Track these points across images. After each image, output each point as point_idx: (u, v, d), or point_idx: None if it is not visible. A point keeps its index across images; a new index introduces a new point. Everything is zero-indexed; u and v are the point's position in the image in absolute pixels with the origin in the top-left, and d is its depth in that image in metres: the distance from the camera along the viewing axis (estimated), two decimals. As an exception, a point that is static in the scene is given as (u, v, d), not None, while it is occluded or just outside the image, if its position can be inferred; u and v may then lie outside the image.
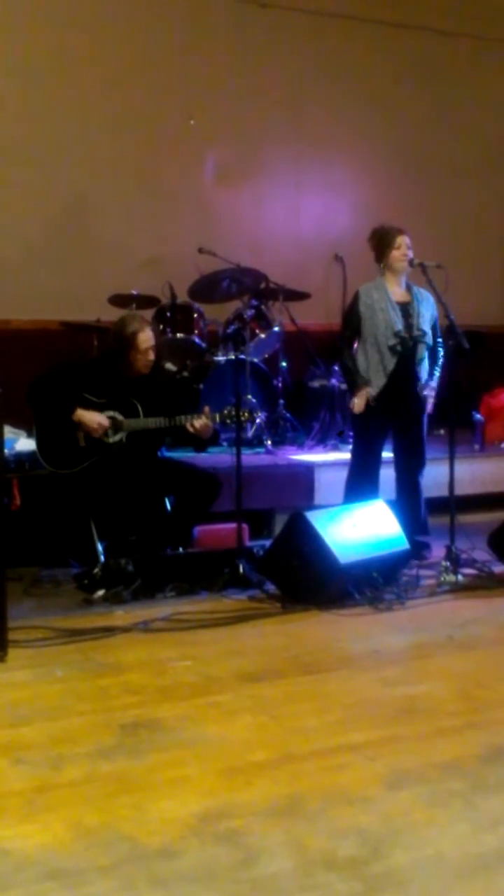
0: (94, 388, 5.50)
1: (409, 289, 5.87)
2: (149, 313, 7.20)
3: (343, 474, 6.05)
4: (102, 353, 6.43)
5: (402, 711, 3.61)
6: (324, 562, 4.93)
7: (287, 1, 8.68)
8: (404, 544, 5.33)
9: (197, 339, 7.40)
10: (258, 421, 7.10)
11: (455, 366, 5.67)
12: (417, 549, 5.61)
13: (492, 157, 9.67)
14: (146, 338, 5.51)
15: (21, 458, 5.80)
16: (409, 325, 5.75)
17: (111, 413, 5.50)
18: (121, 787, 2.98)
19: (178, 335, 7.33)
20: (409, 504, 5.85)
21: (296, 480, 6.59)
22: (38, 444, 5.50)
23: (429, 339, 5.79)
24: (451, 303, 5.58)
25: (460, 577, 5.31)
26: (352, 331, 5.84)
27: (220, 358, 7.26)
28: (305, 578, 4.98)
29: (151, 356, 5.56)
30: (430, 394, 5.82)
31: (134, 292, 7.33)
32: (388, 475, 5.97)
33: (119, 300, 7.31)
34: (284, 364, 7.60)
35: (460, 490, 5.67)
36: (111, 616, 4.79)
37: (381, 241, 5.84)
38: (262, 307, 7.50)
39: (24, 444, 5.88)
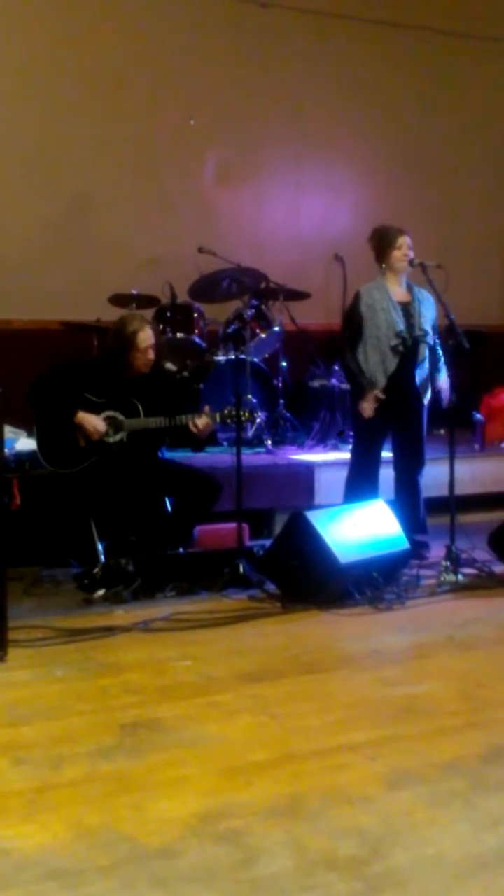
0: (95, 388, 5.50)
1: (409, 289, 5.87)
2: (149, 313, 7.20)
3: (343, 474, 6.05)
4: (103, 352, 6.43)
5: (403, 711, 3.61)
6: (324, 561, 4.93)
7: (287, 1, 8.68)
8: (404, 544, 5.33)
9: (197, 339, 7.40)
10: (258, 421, 7.09)
11: (455, 366, 5.67)
12: (416, 549, 5.60)
13: (492, 156, 9.67)
14: (146, 337, 5.51)
15: (21, 457, 5.80)
16: (410, 326, 5.75)
17: (111, 413, 5.49)
18: (121, 787, 2.97)
19: (179, 335, 7.33)
20: (409, 504, 5.84)
21: (296, 480, 6.59)
22: (39, 443, 5.50)
23: (430, 339, 5.79)
24: (451, 303, 5.58)
25: (460, 577, 5.31)
26: (353, 331, 5.84)
27: (221, 358, 7.26)
28: (306, 578, 4.98)
29: (151, 356, 5.56)
30: (444, 387, 5.80)
31: (134, 292, 7.33)
32: (387, 475, 5.97)
33: (119, 300, 7.31)
34: (284, 364, 7.60)
35: (460, 490, 5.67)
36: (111, 616, 4.79)
37: (381, 241, 5.83)
38: (263, 307, 7.50)
39: (25, 443, 5.87)
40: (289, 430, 7.50)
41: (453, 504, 5.44)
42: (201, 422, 5.46)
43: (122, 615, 4.79)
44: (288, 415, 7.53)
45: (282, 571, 5.11)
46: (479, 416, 7.62)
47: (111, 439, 5.48)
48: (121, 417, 5.50)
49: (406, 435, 5.89)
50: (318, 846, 2.63)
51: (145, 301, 7.38)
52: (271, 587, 5.15)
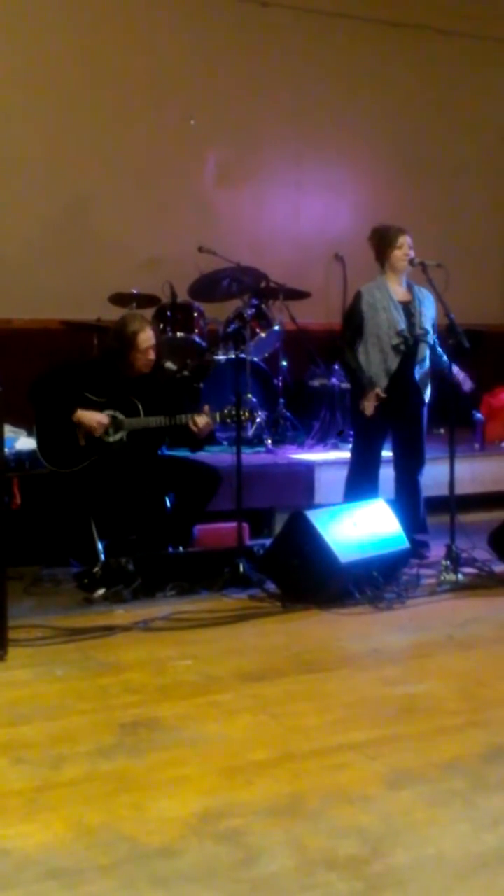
0: (95, 388, 5.50)
1: (410, 288, 5.87)
2: (149, 312, 7.20)
3: (343, 473, 6.05)
4: (103, 352, 6.43)
5: (403, 710, 3.61)
6: (324, 561, 4.93)
7: (288, 0, 8.68)
8: (404, 543, 5.33)
9: (197, 339, 7.40)
10: (258, 420, 7.09)
11: (455, 365, 5.67)
12: (416, 548, 5.60)
13: (492, 156, 9.67)
14: (147, 337, 5.51)
15: (21, 456, 5.80)
16: (411, 325, 5.75)
17: (112, 412, 5.49)
18: (121, 787, 2.97)
19: (179, 334, 7.33)
20: (409, 503, 5.84)
21: (296, 479, 6.59)
22: (39, 442, 5.50)
23: (430, 338, 5.79)
24: (451, 302, 5.58)
25: (460, 577, 5.31)
26: (353, 330, 5.83)
27: (221, 357, 7.26)
28: (306, 577, 4.98)
29: (152, 355, 5.56)
30: (460, 376, 5.76)
31: (134, 291, 7.33)
32: (387, 474, 5.97)
33: (119, 299, 7.31)
34: (285, 363, 7.60)
35: (460, 489, 5.67)
36: (111, 615, 4.79)
37: (382, 241, 5.83)
38: (263, 306, 7.51)
39: (25, 442, 5.88)
40: (289, 429, 7.50)
41: (453, 503, 5.44)
42: (201, 421, 5.47)
43: (122, 614, 4.79)
44: (288, 414, 7.52)
45: (282, 571, 5.11)
46: (479, 415, 7.63)
47: (111, 438, 5.48)
48: (121, 417, 5.50)
49: (406, 434, 5.89)
50: (318, 845, 2.63)
51: (145, 300, 7.38)
52: (271, 586, 5.15)
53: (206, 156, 8.61)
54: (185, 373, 7.13)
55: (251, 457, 6.61)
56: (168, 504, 5.55)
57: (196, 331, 7.42)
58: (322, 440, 7.37)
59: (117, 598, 5.00)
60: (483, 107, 9.62)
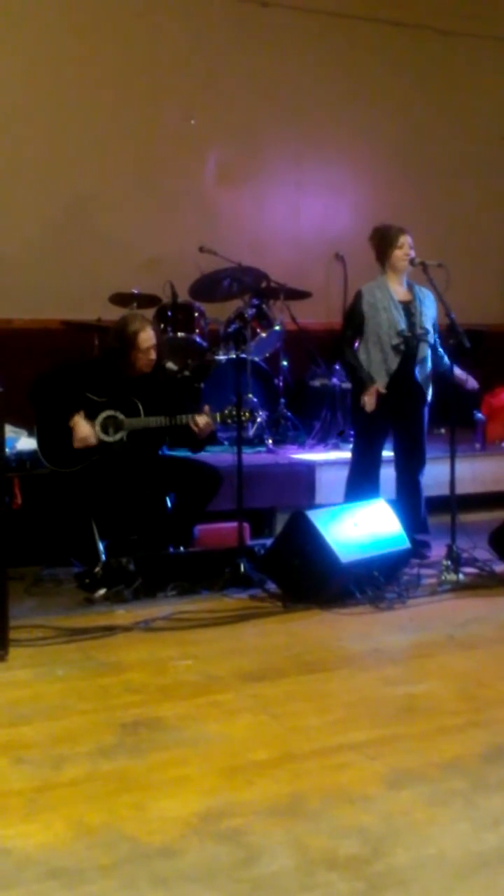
0: (96, 388, 5.51)
1: (410, 287, 5.87)
2: (150, 312, 7.20)
3: (344, 473, 6.05)
4: (104, 352, 6.43)
5: (403, 710, 3.61)
6: (325, 561, 4.93)
7: (288, 0, 8.68)
8: (405, 543, 5.33)
9: (198, 338, 7.40)
10: (259, 420, 7.09)
11: (456, 365, 5.67)
12: (417, 548, 5.60)
13: (492, 156, 9.66)
14: (147, 337, 5.51)
15: (22, 456, 5.80)
16: (412, 324, 5.75)
17: (112, 412, 5.50)
18: (122, 787, 2.98)
19: (179, 334, 7.33)
20: (410, 503, 5.85)
21: (297, 479, 6.59)
22: (40, 442, 5.50)
23: (431, 337, 5.79)
24: (452, 302, 5.58)
25: (461, 576, 5.31)
26: (354, 330, 5.84)
27: (221, 357, 7.26)
28: (306, 577, 4.98)
29: (153, 355, 5.56)
30: (462, 376, 5.76)
31: (135, 291, 7.33)
32: (388, 474, 5.97)
33: (120, 299, 7.31)
34: (285, 363, 7.60)
35: (461, 489, 5.66)
36: (112, 615, 4.79)
37: (382, 240, 5.83)
38: (263, 306, 7.50)
39: (25, 442, 5.88)
40: (290, 429, 7.50)
41: (454, 503, 5.44)
42: (202, 420, 5.47)
43: (122, 614, 4.79)
44: (289, 414, 7.52)
45: (283, 570, 5.11)
46: (479, 415, 7.63)
47: (112, 438, 5.49)
48: (121, 417, 5.50)
49: (407, 434, 5.89)
50: (318, 845, 2.63)
51: (146, 300, 7.37)
52: (272, 586, 5.15)
53: (206, 155, 8.61)
54: (186, 373, 7.13)
55: (252, 457, 6.61)
56: (168, 504, 5.55)
57: (197, 331, 7.42)
58: (323, 440, 7.37)
59: (118, 598, 5.00)
60: (483, 107, 9.61)
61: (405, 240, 5.78)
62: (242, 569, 5.23)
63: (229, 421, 5.51)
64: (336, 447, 7.21)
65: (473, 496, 6.77)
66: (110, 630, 4.52)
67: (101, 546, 5.28)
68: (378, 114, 9.11)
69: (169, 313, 7.34)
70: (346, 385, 6.91)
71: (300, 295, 7.79)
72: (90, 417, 5.47)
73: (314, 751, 3.24)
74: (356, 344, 5.84)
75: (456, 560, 5.34)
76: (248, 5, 8.61)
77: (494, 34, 9.52)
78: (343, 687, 3.90)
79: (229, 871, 2.51)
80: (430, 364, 5.83)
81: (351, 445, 6.25)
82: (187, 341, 7.33)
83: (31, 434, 5.76)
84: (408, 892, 2.43)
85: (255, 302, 7.46)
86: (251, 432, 7.03)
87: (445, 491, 5.53)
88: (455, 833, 2.70)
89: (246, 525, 5.65)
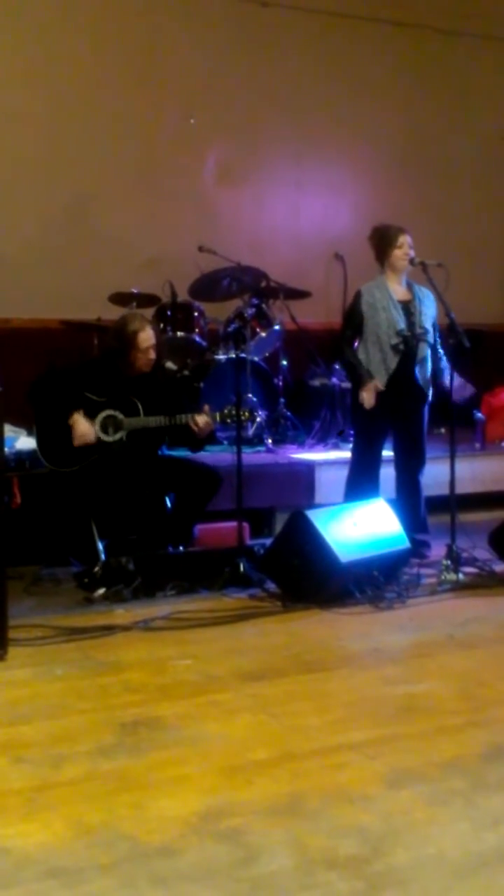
0: (95, 387, 5.50)
1: (409, 287, 5.86)
2: (149, 312, 7.20)
3: (343, 473, 6.05)
4: (103, 351, 6.43)
5: (403, 710, 3.61)
6: (324, 560, 4.92)
7: (288, 0, 8.67)
8: (405, 543, 5.33)
9: (197, 338, 7.40)
10: (259, 419, 7.09)
11: (456, 364, 5.67)
12: (417, 548, 5.60)
13: (492, 155, 9.67)
14: (147, 337, 5.51)
15: (21, 456, 5.80)
16: (411, 324, 5.75)
17: (111, 412, 5.49)
18: (121, 786, 2.97)
19: (179, 334, 7.33)
20: (410, 503, 5.84)
21: (296, 479, 6.58)
22: (39, 442, 5.50)
23: (430, 337, 5.79)
24: (452, 301, 5.58)
25: (461, 576, 5.31)
26: (353, 329, 5.84)
27: (221, 356, 7.26)
28: (306, 577, 4.98)
29: (152, 355, 5.56)
30: (458, 379, 5.74)
31: (134, 291, 7.33)
32: (388, 474, 5.97)
33: (119, 299, 7.31)
34: (285, 362, 7.60)
35: (461, 489, 5.66)
36: (111, 614, 4.79)
37: (382, 240, 5.83)
38: (263, 306, 7.50)
39: (25, 442, 5.88)
40: (289, 428, 7.50)
41: (454, 503, 5.44)
42: (201, 420, 5.47)
43: (122, 614, 4.79)
44: (288, 413, 7.52)
45: (282, 570, 5.11)
46: (479, 414, 7.63)
47: (111, 438, 5.48)
48: (121, 416, 5.49)
49: (407, 434, 5.89)
50: (318, 845, 2.62)
51: (146, 300, 7.37)
52: (272, 586, 5.15)
53: (206, 155, 8.61)
54: (186, 372, 7.13)
55: (251, 456, 6.61)
56: (168, 504, 5.55)
57: (196, 330, 7.42)
58: (322, 440, 7.37)
59: (117, 598, 4.99)
60: (483, 107, 9.61)
61: (405, 239, 5.78)
62: (242, 568, 5.23)
63: (229, 420, 5.50)
64: (336, 447, 7.21)
65: (473, 496, 6.77)
66: (109, 629, 4.52)
67: (100, 545, 5.28)
68: (378, 113, 9.12)
69: (168, 313, 7.34)
70: (346, 385, 6.91)
71: (300, 294, 7.79)
72: (90, 417, 5.47)
73: (314, 750, 3.24)
74: (356, 343, 5.84)
75: (456, 560, 5.34)
76: (249, 5, 8.61)
77: (494, 34, 9.53)
78: (343, 686, 3.89)
79: (228, 871, 2.50)
80: (430, 364, 5.83)
81: (350, 445, 6.24)
82: (187, 341, 7.33)
83: (30, 433, 5.76)
84: (407, 891, 2.43)
85: (255, 301, 7.46)
86: (251, 432, 7.02)
87: (445, 490, 5.52)
88: (454, 833, 2.70)
89: (245, 525, 5.64)
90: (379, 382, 5.72)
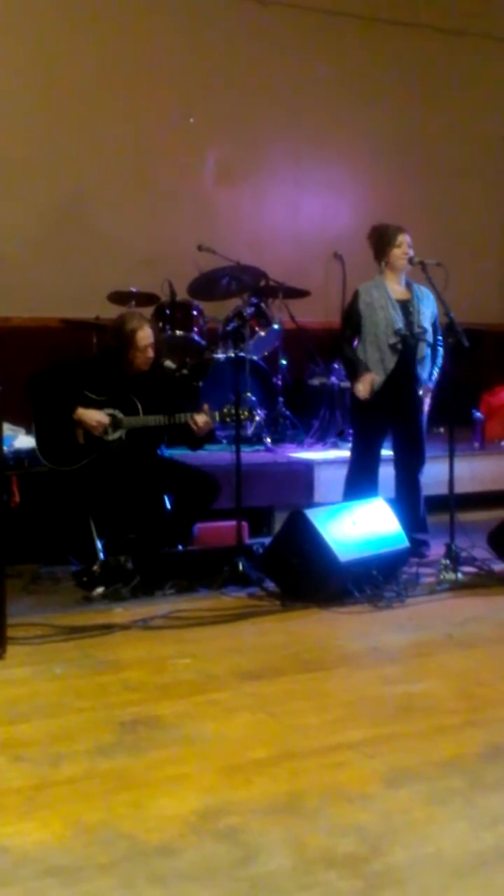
0: (94, 386, 5.50)
1: (408, 286, 5.86)
2: (148, 311, 7.20)
3: (343, 472, 6.05)
4: (102, 350, 6.42)
5: (402, 709, 3.61)
6: (323, 559, 4.92)
7: (287, -2, 8.70)
8: (404, 542, 5.33)
9: (196, 337, 7.40)
10: (258, 419, 7.09)
11: (455, 364, 5.67)
12: (416, 547, 5.60)
13: (491, 154, 9.67)
14: (145, 335, 5.51)
15: (20, 455, 5.79)
16: (409, 323, 5.75)
17: (111, 411, 5.49)
18: (120, 785, 2.97)
19: (178, 333, 7.33)
20: (409, 502, 5.84)
21: (295, 478, 6.58)
22: (38, 441, 5.50)
23: (429, 336, 5.79)
24: (451, 301, 5.58)
25: (460, 576, 5.31)
26: (352, 329, 5.84)
27: (220, 355, 7.26)
28: (305, 576, 4.98)
29: (151, 354, 5.56)
30: (426, 394, 5.81)
31: (133, 290, 7.33)
32: (387, 473, 5.97)
33: (118, 297, 7.31)
34: (284, 362, 7.60)
35: (460, 488, 5.66)
36: (110, 613, 4.79)
37: (381, 239, 5.83)
38: (262, 305, 7.50)
39: (24, 441, 5.87)
40: (288, 427, 7.50)
41: (453, 502, 5.44)
42: (200, 419, 5.46)
43: (121, 613, 4.79)
44: (287, 413, 7.52)
45: (281, 569, 5.11)
46: (478, 414, 7.63)
47: (110, 437, 5.48)
48: (120, 415, 5.49)
49: (406, 433, 5.89)
50: (317, 844, 2.62)
51: (144, 299, 7.37)
52: (271, 585, 5.15)
53: (205, 154, 8.62)
54: (185, 371, 7.12)
55: (250, 455, 6.61)
56: (167, 503, 5.55)
57: (195, 329, 7.42)
58: (321, 439, 7.37)
59: (116, 597, 4.99)
60: (482, 104, 9.61)
61: (404, 238, 5.78)
62: (241, 567, 5.23)
63: (228, 419, 5.50)
64: (335, 446, 7.21)
65: (472, 495, 6.78)
66: (108, 628, 4.52)
67: (99, 544, 5.28)
68: (377, 112, 9.12)
69: (167, 312, 7.34)
70: (345, 384, 6.91)
71: (299, 294, 7.79)
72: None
73: (312, 749, 3.24)
74: (355, 343, 5.84)
75: (455, 559, 5.33)
76: (248, 4, 8.62)
77: (495, 33, 9.53)
78: (341, 686, 3.89)
79: (227, 870, 2.50)
80: (429, 363, 5.83)
81: (350, 444, 6.24)
82: (186, 340, 7.33)
83: (29, 432, 5.76)
84: (406, 890, 2.43)
85: (254, 300, 7.45)
86: (250, 431, 7.03)
87: (444, 490, 5.52)
88: (453, 832, 2.70)
89: (244, 524, 5.64)
90: (376, 381, 5.72)
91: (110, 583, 5.06)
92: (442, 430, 6.55)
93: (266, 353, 7.59)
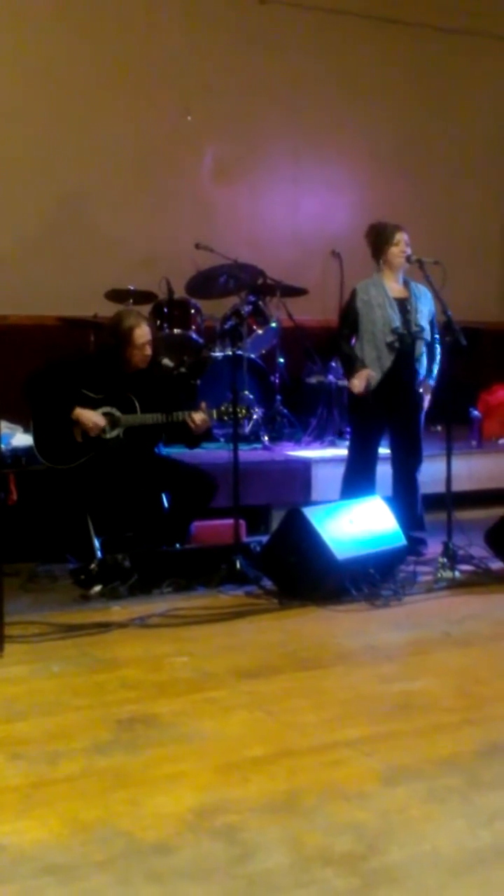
0: (92, 384, 5.50)
1: (406, 285, 5.86)
2: (146, 309, 7.18)
3: (340, 470, 6.05)
4: (99, 348, 6.43)
5: (399, 707, 3.61)
6: (321, 558, 4.92)
7: (286, -3, 8.69)
8: (401, 540, 5.33)
9: (194, 335, 7.39)
10: (255, 417, 7.09)
11: (453, 362, 5.67)
12: (413, 545, 5.61)
13: (490, 153, 9.67)
14: (143, 334, 5.50)
15: (18, 453, 5.79)
16: (406, 322, 5.75)
17: (108, 409, 5.49)
18: (117, 783, 2.97)
19: (175, 331, 7.32)
20: (406, 500, 5.84)
21: (293, 476, 6.58)
22: (35, 439, 5.49)
23: (427, 335, 5.79)
24: (449, 299, 5.58)
25: (457, 574, 5.32)
26: (349, 327, 5.84)
27: (218, 354, 7.25)
28: (302, 574, 4.98)
29: (148, 352, 5.55)
30: (426, 391, 5.82)
31: (131, 288, 7.32)
32: (384, 471, 5.97)
33: (116, 295, 7.31)
34: (282, 360, 7.59)
35: (457, 486, 5.66)
36: (108, 611, 4.79)
37: (378, 238, 5.83)
38: (260, 303, 7.50)
39: (21, 439, 5.87)
40: (286, 426, 7.49)
41: (450, 501, 5.44)
42: (198, 417, 5.46)
43: (118, 611, 4.79)
44: (285, 411, 7.52)
45: (279, 567, 5.11)
46: (476, 412, 7.63)
47: (108, 435, 5.48)
48: (117, 413, 5.49)
49: (404, 431, 5.89)
50: (314, 842, 2.62)
51: (142, 297, 7.37)
52: (268, 583, 5.15)
53: (203, 152, 8.60)
54: (182, 369, 7.11)
55: (248, 453, 6.61)
56: (165, 501, 5.55)
57: (193, 327, 7.42)
58: (319, 437, 7.37)
59: (114, 595, 4.99)
60: (482, 103, 9.61)
61: (401, 237, 5.78)
62: (238, 565, 5.23)
63: (225, 418, 5.50)
64: (332, 444, 7.21)
65: (470, 493, 6.77)
66: (106, 626, 4.52)
67: (96, 542, 5.28)
68: (376, 111, 9.12)
69: (165, 310, 7.34)
70: (343, 382, 6.91)
71: (297, 292, 7.79)
72: (87, 414, 5.48)
73: (310, 747, 3.24)
74: (353, 341, 5.85)
75: (452, 557, 5.34)
76: (247, 2, 8.61)
77: (494, 32, 9.52)
78: (339, 684, 3.89)
79: (224, 868, 2.50)
80: (426, 362, 5.82)
81: (347, 442, 6.24)
82: (183, 338, 7.33)
83: (26, 430, 5.76)
84: (403, 888, 2.43)
85: (252, 299, 7.45)
86: (247, 429, 7.03)
87: (442, 488, 5.53)
88: (450, 830, 2.70)
89: (242, 522, 5.64)
90: (373, 379, 5.72)
91: (108, 581, 5.06)
92: (440, 428, 6.56)
93: (264, 352, 7.58)
